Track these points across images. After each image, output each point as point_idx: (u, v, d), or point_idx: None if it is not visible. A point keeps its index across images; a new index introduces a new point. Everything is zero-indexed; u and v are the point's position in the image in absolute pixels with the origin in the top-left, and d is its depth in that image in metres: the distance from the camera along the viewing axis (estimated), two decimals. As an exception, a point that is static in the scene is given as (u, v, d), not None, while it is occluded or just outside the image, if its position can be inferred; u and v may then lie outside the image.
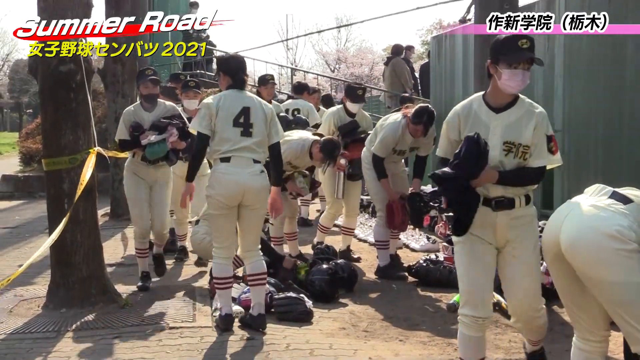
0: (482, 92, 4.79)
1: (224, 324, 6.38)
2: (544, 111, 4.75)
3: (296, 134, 8.36)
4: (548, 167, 4.75)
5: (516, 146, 4.60)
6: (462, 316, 4.76)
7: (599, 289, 3.94)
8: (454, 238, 4.82)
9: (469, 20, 13.19)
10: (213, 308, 6.93)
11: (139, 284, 7.87)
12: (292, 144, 8.05)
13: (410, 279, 8.22)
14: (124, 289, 7.72)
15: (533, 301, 4.82)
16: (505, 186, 4.60)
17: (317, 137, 8.23)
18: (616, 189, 4.08)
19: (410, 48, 19.15)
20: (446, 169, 4.51)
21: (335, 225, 10.05)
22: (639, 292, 3.81)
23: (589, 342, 4.24)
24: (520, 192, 4.66)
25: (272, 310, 6.80)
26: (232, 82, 6.49)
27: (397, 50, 17.79)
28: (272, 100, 10.83)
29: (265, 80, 11.20)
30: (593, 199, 4.05)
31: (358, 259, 9.22)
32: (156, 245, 8.26)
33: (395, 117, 8.27)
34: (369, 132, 9.06)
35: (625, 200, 3.97)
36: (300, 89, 12.45)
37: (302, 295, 7.02)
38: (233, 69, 6.54)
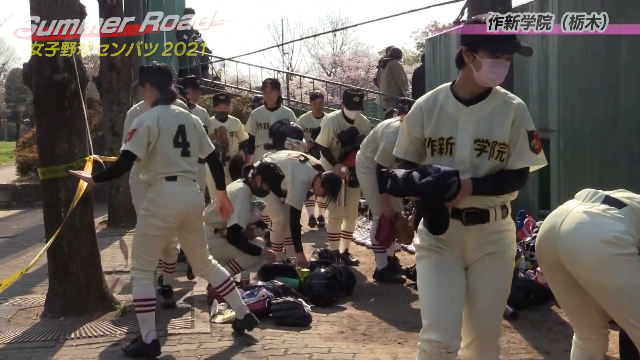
0: (450, 83, 4.07)
1: (153, 351, 5.94)
2: (523, 103, 3.98)
3: (296, 170, 8.40)
4: (531, 169, 4.02)
5: (490, 144, 3.85)
6: (423, 342, 3.88)
7: (603, 296, 3.92)
8: (416, 252, 4.09)
9: (463, 21, 13.17)
10: (211, 314, 6.93)
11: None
12: (297, 190, 8.29)
13: (409, 281, 8.22)
14: (122, 297, 7.69)
15: (488, 342, 4.08)
16: (478, 195, 3.84)
17: (317, 172, 8.27)
18: (608, 193, 4.05)
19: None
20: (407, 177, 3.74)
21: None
22: None
23: (589, 341, 4.24)
24: (495, 203, 3.92)
25: (271, 315, 6.80)
26: (162, 95, 6.20)
27: (394, 53, 17.79)
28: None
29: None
30: (587, 206, 3.99)
31: (356, 263, 9.22)
32: (165, 269, 7.58)
33: (396, 125, 8.13)
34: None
35: (619, 204, 3.93)
36: None
37: (300, 299, 7.02)
38: (164, 81, 6.24)
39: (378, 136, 8.29)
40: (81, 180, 6.55)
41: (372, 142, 8.31)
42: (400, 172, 3.76)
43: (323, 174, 8.27)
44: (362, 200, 10.89)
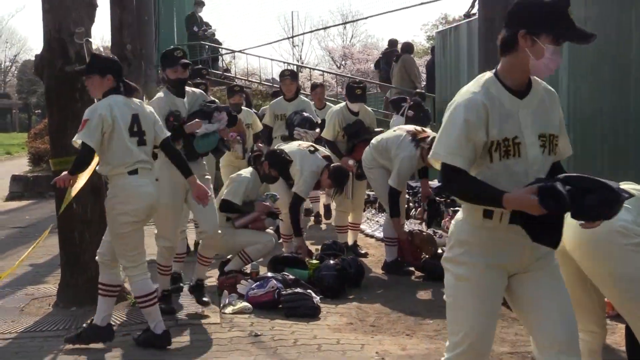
0: (491, 72, 3.56)
1: (165, 341, 5.97)
2: None
3: (305, 160, 8.39)
4: None
5: (548, 138, 3.47)
6: None
7: (609, 286, 3.91)
8: (451, 267, 3.61)
9: (474, 14, 13.16)
10: (222, 305, 6.96)
11: (162, 306, 6.58)
12: (306, 179, 8.25)
13: (417, 273, 8.23)
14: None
15: (573, 344, 3.51)
16: None
17: (326, 163, 8.27)
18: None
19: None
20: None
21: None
22: None
23: (590, 333, 4.24)
24: None
25: (280, 306, 6.83)
26: (116, 85, 5.96)
27: (406, 47, 17.99)
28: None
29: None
30: None
31: (365, 254, 9.22)
32: (202, 263, 7.13)
33: (410, 149, 8.00)
34: (373, 128, 9.07)
35: (628, 195, 3.90)
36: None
37: (309, 291, 7.03)
38: (119, 71, 6.03)
39: (390, 149, 8.19)
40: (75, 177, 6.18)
41: (383, 151, 8.23)
42: (562, 188, 3.16)
43: (331, 165, 8.26)
44: (370, 193, 10.91)
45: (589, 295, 4.12)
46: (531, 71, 3.40)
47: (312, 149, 8.58)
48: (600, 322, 4.26)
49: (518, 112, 3.41)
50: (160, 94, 6.89)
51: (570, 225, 3.40)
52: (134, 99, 6.09)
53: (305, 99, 10.95)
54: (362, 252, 9.29)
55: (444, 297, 3.71)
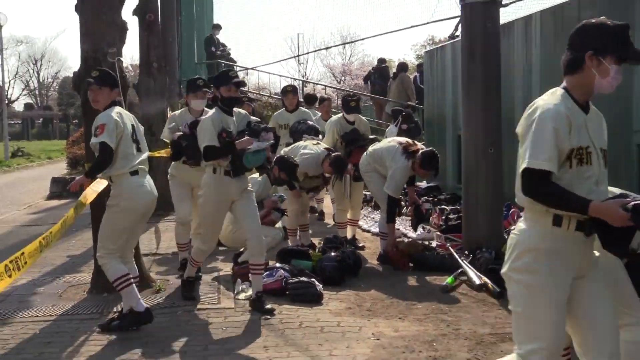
0: (561, 88, 3.44)
1: (146, 317, 5.95)
2: None
3: (309, 148, 8.36)
4: None
5: (603, 152, 3.44)
6: None
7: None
8: (521, 276, 3.40)
9: (457, 36, 13.11)
10: (235, 292, 6.93)
11: (186, 293, 6.90)
12: (308, 160, 8.19)
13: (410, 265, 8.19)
14: (157, 277, 7.74)
15: (618, 332, 3.48)
16: None
17: (327, 152, 8.26)
18: None
19: (421, 65, 19.78)
20: None
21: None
22: None
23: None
24: None
25: (287, 292, 6.80)
26: (119, 98, 6.21)
27: (403, 66, 19.16)
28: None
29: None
30: None
31: (362, 247, 9.19)
32: (256, 272, 6.56)
33: (402, 162, 7.96)
34: (367, 135, 9.10)
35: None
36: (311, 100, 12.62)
37: (313, 279, 7.01)
38: (124, 87, 6.24)
39: (384, 159, 8.15)
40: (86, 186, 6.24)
41: (378, 159, 8.20)
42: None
43: (332, 154, 8.26)
44: (367, 193, 10.88)
45: None
46: (596, 88, 3.36)
47: (315, 142, 8.67)
48: None
49: (586, 125, 3.36)
50: (212, 111, 6.53)
51: None
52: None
53: (305, 109, 11.01)
54: (360, 245, 9.25)
55: (510, 306, 3.51)
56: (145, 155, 6.12)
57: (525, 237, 3.41)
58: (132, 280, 6.03)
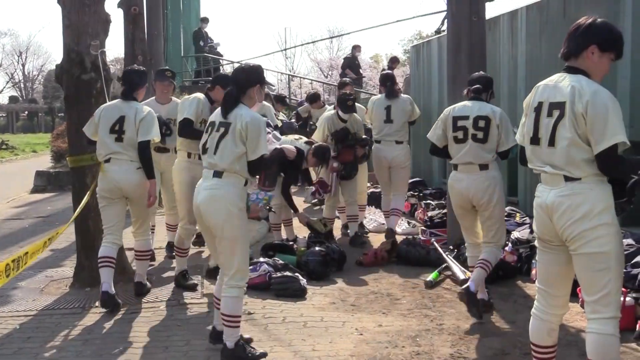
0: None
1: (103, 304, 6.28)
2: None
3: (296, 143, 8.31)
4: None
5: None
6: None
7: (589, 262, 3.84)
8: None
9: (444, 31, 13.13)
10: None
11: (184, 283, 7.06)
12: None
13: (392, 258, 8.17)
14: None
15: None
16: None
17: (309, 146, 8.21)
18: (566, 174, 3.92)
19: (394, 60, 19.45)
20: None
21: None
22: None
23: (555, 316, 4.10)
24: None
25: (271, 287, 6.78)
26: (125, 92, 6.62)
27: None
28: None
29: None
30: (557, 190, 3.84)
31: (367, 234, 9.34)
32: (178, 254, 7.14)
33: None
34: (360, 134, 9.05)
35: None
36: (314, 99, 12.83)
37: (297, 274, 6.99)
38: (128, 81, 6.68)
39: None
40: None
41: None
42: None
43: (313, 145, 8.23)
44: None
45: (568, 276, 4.06)
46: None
47: (297, 137, 8.60)
48: (566, 302, 4.15)
49: None
50: (199, 96, 6.90)
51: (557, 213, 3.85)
52: (131, 103, 6.55)
53: (266, 103, 10.76)
54: (366, 232, 9.27)
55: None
56: (126, 144, 6.43)
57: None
58: (109, 262, 6.44)
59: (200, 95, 6.83)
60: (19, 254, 4.51)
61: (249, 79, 5.03)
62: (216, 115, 5.06)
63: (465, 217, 6.24)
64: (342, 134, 8.91)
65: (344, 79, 11.25)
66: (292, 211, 8.52)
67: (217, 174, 4.93)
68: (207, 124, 5.13)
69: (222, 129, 4.93)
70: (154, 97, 8.13)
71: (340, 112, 9.01)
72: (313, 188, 8.95)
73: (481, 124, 5.92)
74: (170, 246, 8.33)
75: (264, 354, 5.09)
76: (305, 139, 8.68)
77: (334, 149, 8.81)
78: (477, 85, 6.15)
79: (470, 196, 5.99)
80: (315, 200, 10.78)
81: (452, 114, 6.10)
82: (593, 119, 3.65)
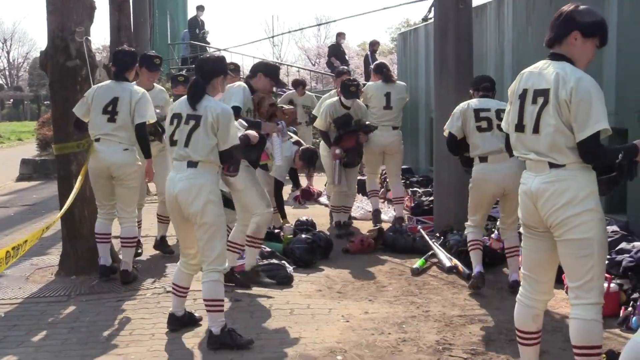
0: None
1: (101, 275, 6.77)
2: None
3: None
4: None
5: None
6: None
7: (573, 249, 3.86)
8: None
9: (430, 19, 13.11)
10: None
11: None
12: (281, 164, 7.82)
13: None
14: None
15: None
16: None
17: (297, 147, 8.15)
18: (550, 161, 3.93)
19: (374, 43, 19.62)
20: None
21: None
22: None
23: (539, 302, 4.13)
24: None
25: (257, 275, 6.77)
26: (117, 73, 6.74)
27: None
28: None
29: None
30: (542, 177, 3.85)
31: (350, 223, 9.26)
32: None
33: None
34: (364, 121, 8.87)
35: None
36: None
37: (283, 261, 6.99)
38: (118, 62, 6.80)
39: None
40: (88, 155, 6.73)
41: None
42: None
43: (300, 148, 8.16)
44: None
45: (550, 266, 4.07)
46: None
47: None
48: (551, 288, 4.16)
49: None
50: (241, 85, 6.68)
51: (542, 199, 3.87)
52: (125, 85, 6.64)
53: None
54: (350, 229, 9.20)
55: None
56: (118, 125, 6.52)
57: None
58: (104, 238, 6.77)
59: (243, 83, 6.68)
60: (18, 242, 4.50)
61: (214, 69, 5.20)
62: (181, 107, 5.13)
63: (489, 204, 6.45)
64: (344, 120, 8.79)
65: (342, 67, 11.01)
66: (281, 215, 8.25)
67: (192, 164, 5.04)
68: (171, 115, 5.18)
69: (192, 122, 5.03)
70: (134, 82, 7.25)
71: (342, 99, 8.87)
72: (298, 192, 8.84)
73: (503, 115, 5.95)
74: (164, 241, 8.05)
75: (251, 341, 5.09)
76: (295, 137, 8.60)
77: (335, 135, 8.72)
78: (487, 83, 6.35)
79: (505, 185, 6.08)
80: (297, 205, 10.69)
81: (471, 107, 6.24)
82: (577, 105, 3.67)
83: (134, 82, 7.29)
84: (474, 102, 6.25)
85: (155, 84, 8.00)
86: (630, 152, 3.79)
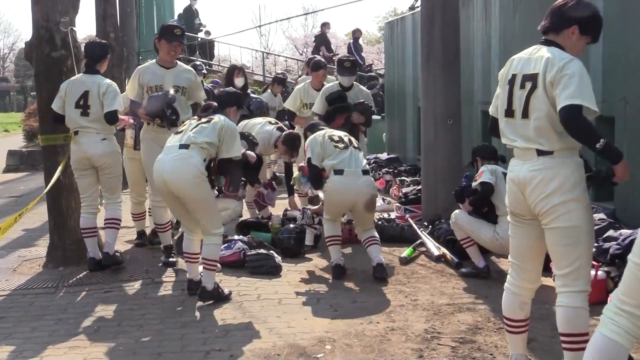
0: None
1: (90, 268, 6.78)
2: None
3: (259, 127, 8.21)
4: None
5: None
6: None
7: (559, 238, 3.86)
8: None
9: (417, 7, 13.10)
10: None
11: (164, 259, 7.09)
12: (259, 136, 7.85)
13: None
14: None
15: None
16: None
17: (279, 133, 8.09)
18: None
19: (356, 31, 19.69)
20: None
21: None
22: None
23: (527, 290, 4.13)
24: None
25: (245, 265, 6.77)
26: (89, 65, 6.78)
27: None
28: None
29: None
30: (529, 164, 3.85)
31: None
32: (158, 229, 7.32)
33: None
34: (367, 103, 8.07)
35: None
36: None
37: (272, 251, 6.98)
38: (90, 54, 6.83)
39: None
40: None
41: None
42: None
43: (282, 133, 8.07)
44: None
45: (540, 250, 4.06)
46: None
47: (270, 120, 8.58)
48: (539, 277, 4.16)
49: None
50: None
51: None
52: (95, 77, 6.69)
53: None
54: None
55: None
56: (92, 118, 6.62)
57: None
58: (90, 232, 6.83)
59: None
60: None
61: (229, 100, 6.01)
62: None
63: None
64: (336, 96, 8.08)
65: (318, 59, 9.57)
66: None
67: (184, 146, 5.57)
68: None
69: (204, 120, 5.74)
70: (154, 60, 6.99)
71: (339, 77, 8.30)
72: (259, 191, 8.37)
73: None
74: (154, 234, 7.80)
75: (230, 292, 5.94)
76: (279, 123, 8.52)
77: (326, 115, 8.02)
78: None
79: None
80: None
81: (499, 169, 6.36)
82: (560, 79, 3.66)
83: (153, 61, 6.87)
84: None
85: (179, 61, 7.17)
86: (613, 155, 3.76)
